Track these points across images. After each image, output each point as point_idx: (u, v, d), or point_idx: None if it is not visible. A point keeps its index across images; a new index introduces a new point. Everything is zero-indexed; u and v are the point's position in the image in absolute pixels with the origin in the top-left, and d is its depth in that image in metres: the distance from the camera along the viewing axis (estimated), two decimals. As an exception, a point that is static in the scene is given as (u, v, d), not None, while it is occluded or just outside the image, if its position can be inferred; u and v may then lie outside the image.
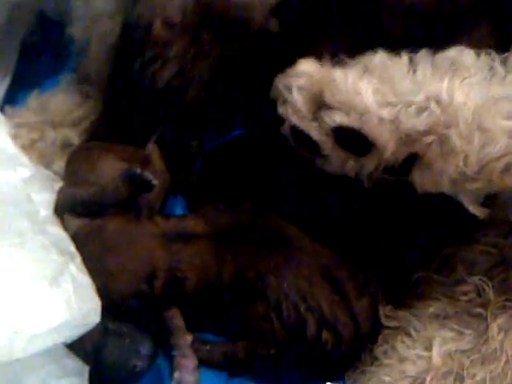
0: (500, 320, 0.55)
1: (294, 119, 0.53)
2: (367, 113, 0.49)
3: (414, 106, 0.49)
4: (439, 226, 0.59)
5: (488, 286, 0.56)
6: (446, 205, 0.57)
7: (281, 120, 0.54)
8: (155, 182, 0.58)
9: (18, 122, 0.70)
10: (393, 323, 0.59)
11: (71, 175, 0.65)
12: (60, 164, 0.68)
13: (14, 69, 0.80)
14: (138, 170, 0.58)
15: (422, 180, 0.52)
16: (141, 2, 0.57)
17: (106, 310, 0.51)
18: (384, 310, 0.59)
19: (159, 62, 0.58)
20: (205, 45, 0.58)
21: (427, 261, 0.60)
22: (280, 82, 0.54)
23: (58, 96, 0.73)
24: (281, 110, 0.54)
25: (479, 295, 0.57)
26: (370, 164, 0.52)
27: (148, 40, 0.58)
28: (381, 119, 0.49)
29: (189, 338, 0.57)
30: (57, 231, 0.54)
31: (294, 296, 0.56)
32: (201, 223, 0.60)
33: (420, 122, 0.49)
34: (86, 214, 0.59)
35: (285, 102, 0.54)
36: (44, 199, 0.58)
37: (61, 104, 0.72)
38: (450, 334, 0.56)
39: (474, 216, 0.55)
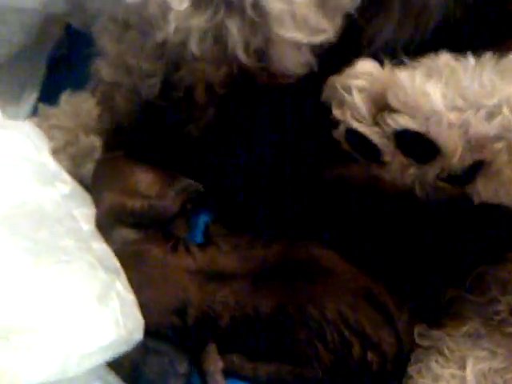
0: (532, 339, 0.56)
1: (353, 122, 0.50)
2: (435, 116, 0.47)
3: (484, 111, 0.47)
4: (473, 244, 0.60)
5: (520, 305, 0.57)
6: (480, 223, 0.58)
7: (333, 123, 0.51)
8: (201, 188, 0.61)
9: (52, 123, 0.71)
10: (427, 342, 0.59)
11: (109, 184, 0.65)
12: (88, 168, 0.69)
13: (42, 82, 0.81)
14: (189, 180, 0.61)
15: (485, 189, 0.49)
16: (184, 66, 0.56)
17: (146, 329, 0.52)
18: (418, 329, 0.59)
19: (194, 121, 0.59)
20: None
21: (460, 280, 0.60)
22: (338, 82, 0.51)
23: (89, 102, 0.73)
24: (337, 112, 0.51)
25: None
26: (432, 171, 0.49)
27: (187, 101, 0.58)
28: (450, 123, 0.47)
29: (220, 364, 0.58)
30: (101, 247, 0.55)
31: (337, 322, 0.57)
32: (235, 261, 0.60)
33: (491, 127, 0.46)
34: (132, 224, 0.60)
35: (342, 103, 0.50)
36: (84, 214, 0.59)
37: (92, 109, 0.71)
38: (483, 354, 0.57)
39: (507, 234, 0.56)
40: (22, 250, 0.50)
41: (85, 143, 0.71)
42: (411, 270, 0.60)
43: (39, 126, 0.70)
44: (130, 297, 0.52)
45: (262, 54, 0.53)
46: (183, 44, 0.52)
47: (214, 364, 0.57)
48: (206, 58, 0.53)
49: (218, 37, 0.52)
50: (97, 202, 0.62)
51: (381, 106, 0.49)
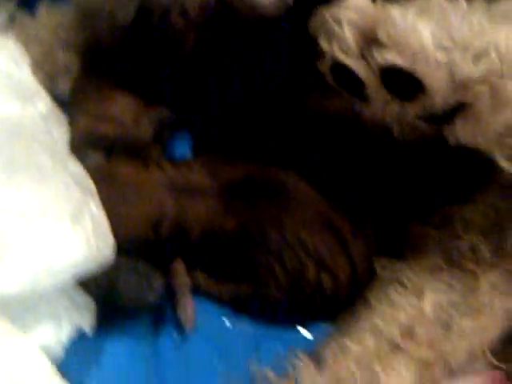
0: (489, 277, 0.58)
1: (340, 55, 0.50)
2: (423, 54, 0.47)
3: (471, 53, 0.47)
4: (441, 183, 0.61)
5: (482, 244, 0.59)
6: (450, 163, 0.59)
7: (319, 55, 0.51)
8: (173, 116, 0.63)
9: (29, 34, 0.70)
10: (388, 273, 0.62)
11: (84, 107, 0.66)
12: (63, 85, 0.69)
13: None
14: (162, 108, 0.62)
15: (463, 131, 0.50)
16: None
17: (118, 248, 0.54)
18: (381, 261, 0.62)
19: (174, 48, 0.60)
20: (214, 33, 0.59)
21: (427, 217, 0.62)
22: (328, 13, 0.51)
23: (69, 16, 0.72)
24: (324, 44, 0.51)
25: (473, 252, 0.59)
26: (413, 109, 0.50)
27: (162, 25, 0.58)
28: (437, 62, 0.47)
29: (188, 280, 0.61)
30: (77, 168, 0.56)
31: (295, 244, 0.59)
32: (206, 177, 0.62)
33: (476, 70, 0.47)
34: (105, 149, 0.61)
35: (330, 35, 0.50)
36: (61, 134, 0.59)
37: (71, 23, 0.71)
38: (441, 286, 0.59)
39: (476, 176, 0.58)
40: (-2, 164, 0.50)
41: (61, 59, 0.70)
42: (378, 203, 0.62)
43: (16, 37, 0.69)
44: (103, 218, 0.53)
45: None
46: None
47: (183, 280, 0.59)
48: None
49: None
50: (71, 125, 0.62)
51: (369, 41, 0.49)
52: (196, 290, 0.61)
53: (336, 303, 0.61)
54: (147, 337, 0.59)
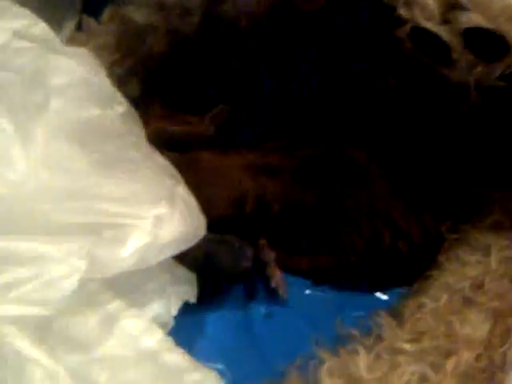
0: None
1: (423, 21, 0.51)
2: (506, 13, 0.48)
3: None
4: (502, 149, 0.64)
5: (540, 201, 0.62)
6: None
7: (397, 23, 0.53)
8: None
9: (97, 43, 0.74)
10: (455, 235, 0.65)
11: (151, 110, 0.71)
12: (133, 87, 0.74)
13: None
14: (224, 107, 0.67)
15: None
16: (225, 2, 0.61)
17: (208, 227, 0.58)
18: (447, 224, 0.66)
19: (236, 52, 0.64)
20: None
21: (486, 180, 0.66)
22: None
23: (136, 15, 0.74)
24: (404, 11, 0.52)
25: (530, 209, 0.63)
26: (498, 69, 0.51)
27: (231, 33, 0.62)
28: None
29: (273, 254, 0.65)
30: (161, 158, 0.59)
31: (371, 214, 0.63)
32: (280, 158, 0.66)
33: None
34: (174, 148, 0.66)
35: (409, 3, 0.52)
36: (140, 131, 0.64)
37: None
38: (505, 243, 0.62)
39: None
40: (95, 161, 0.55)
41: (129, 63, 0.75)
42: (442, 174, 0.66)
43: (85, 44, 0.73)
44: (192, 199, 0.57)
45: None
46: None
47: (269, 255, 0.64)
48: None
49: None
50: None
51: (451, 5, 0.50)
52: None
53: (411, 267, 0.64)
54: (239, 308, 0.64)
